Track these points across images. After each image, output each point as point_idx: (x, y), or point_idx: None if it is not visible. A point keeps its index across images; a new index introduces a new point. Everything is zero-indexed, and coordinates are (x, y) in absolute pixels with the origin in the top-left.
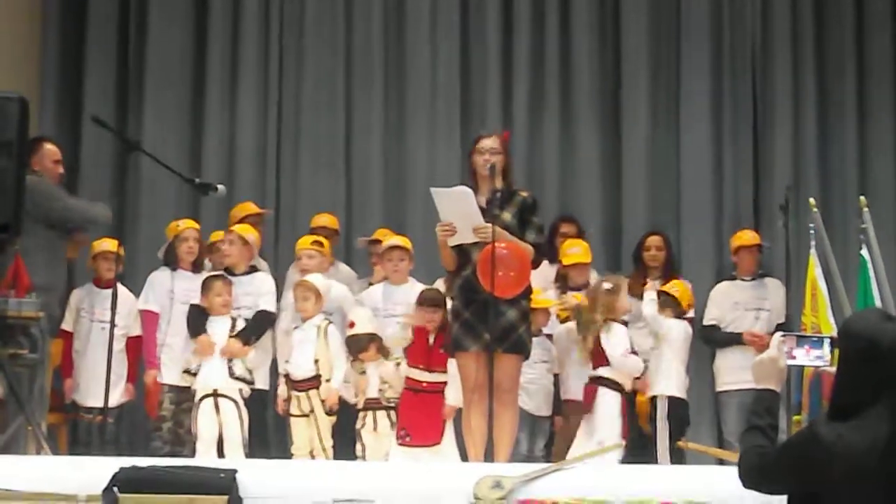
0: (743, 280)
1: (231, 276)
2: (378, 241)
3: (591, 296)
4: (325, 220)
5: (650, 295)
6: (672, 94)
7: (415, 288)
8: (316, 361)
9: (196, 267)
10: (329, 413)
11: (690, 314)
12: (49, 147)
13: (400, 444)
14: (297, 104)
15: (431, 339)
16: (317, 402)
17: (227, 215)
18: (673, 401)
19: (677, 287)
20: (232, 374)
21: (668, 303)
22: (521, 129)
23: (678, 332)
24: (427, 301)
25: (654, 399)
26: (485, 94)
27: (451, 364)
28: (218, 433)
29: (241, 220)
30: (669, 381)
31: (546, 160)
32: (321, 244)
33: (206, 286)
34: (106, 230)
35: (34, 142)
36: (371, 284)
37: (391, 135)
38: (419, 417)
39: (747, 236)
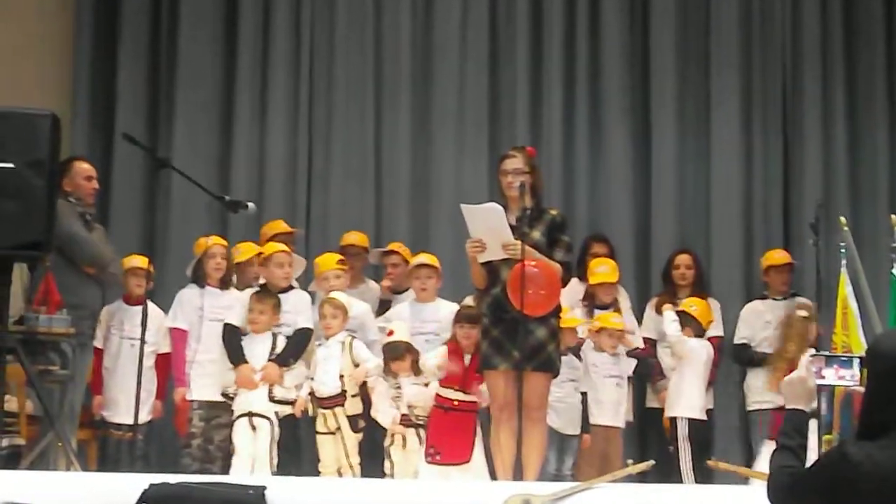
0: (773, 299)
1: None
2: (392, 252)
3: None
4: (354, 237)
5: (671, 315)
6: (702, 113)
7: (442, 306)
8: (341, 377)
9: (224, 284)
10: (354, 430)
11: (718, 332)
12: (80, 165)
13: (429, 462)
14: (326, 120)
15: (468, 360)
16: (343, 419)
17: (257, 232)
18: (693, 422)
19: (696, 306)
20: (272, 399)
21: (689, 322)
22: (552, 144)
23: (700, 352)
24: (465, 318)
25: (673, 419)
26: (514, 108)
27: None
28: (253, 451)
29: (272, 239)
30: (691, 402)
31: (577, 175)
32: (344, 262)
33: (250, 305)
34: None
35: (65, 162)
36: (382, 300)
37: (419, 150)
38: (449, 435)
39: (777, 255)
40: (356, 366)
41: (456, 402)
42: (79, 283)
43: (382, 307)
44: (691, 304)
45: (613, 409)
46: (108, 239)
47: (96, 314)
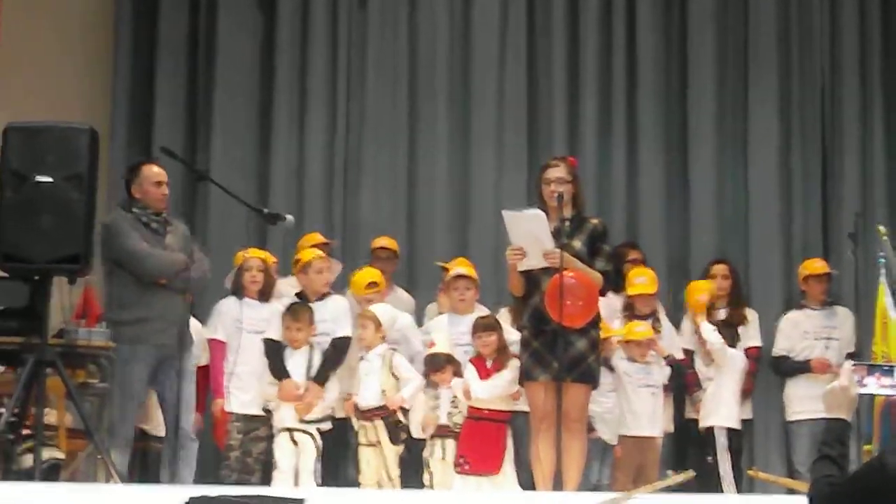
0: (812, 309)
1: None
2: (446, 269)
3: None
4: (384, 241)
5: (708, 325)
6: (740, 121)
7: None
8: (383, 392)
9: (263, 296)
10: (394, 442)
11: (756, 342)
12: (148, 169)
13: (458, 472)
14: (364, 132)
15: (489, 363)
16: (383, 432)
17: (295, 244)
18: (730, 431)
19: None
20: (303, 421)
21: (723, 333)
22: (589, 155)
23: (738, 361)
24: (479, 327)
25: (711, 429)
26: (551, 118)
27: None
28: (295, 464)
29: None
30: (730, 411)
31: (614, 186)
32: (377, 284)
33: (285, 322)
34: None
35: (134, 167)
36: (440, 313)
37: (457, 158)
38: (479, 445)
39: (816, 265)
40: (396, 379)
41: (486, 412)
42: (150, 296)
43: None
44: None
45: (648, 418)
46: (189, 239)
47: (178, 324)
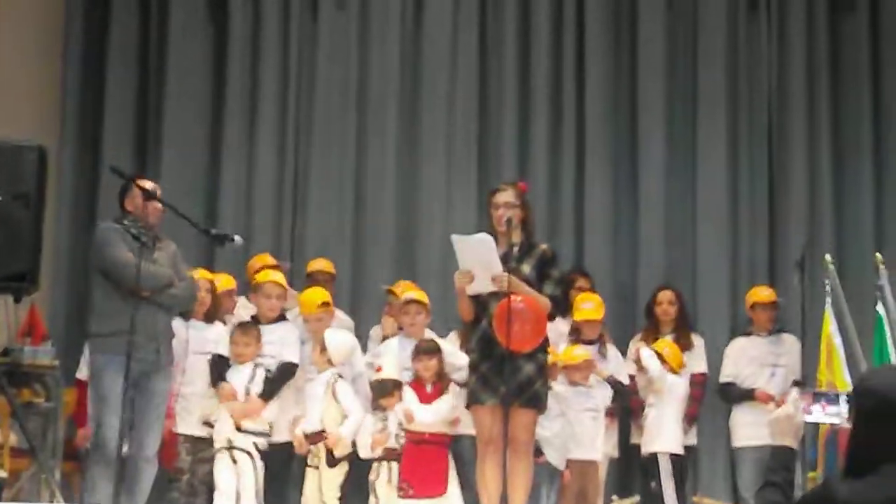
0: (759, 336)
1: (258, 325)
2: (393, 292)
3: None
4: (321, 264)
5: (648, 351)
6: (688, 151)
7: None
8: (321, 420)
9: (208, 318)
10: (330, 465)
11: (702, 369)
12: (143, 184)
13: (402, 497)
14: (313, 153)
15: (429, 388)
16: (322, 454)
17: (244, 264)
18: (674, 457)
19: (668, 348)
20: (239, 429)
21: (663, 360)
22: (539, 177)
23: (679, 388)
24: (421, 350)
25: (654, 455)
26: (501, 139)
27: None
28: (236, 485)
29: (258, 272)
30: (671, 437)
31: (563, 209)
32: (328, 304)
33: (233, 336)
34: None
35: (127, 181)
36: (385, 337)
37: (406, 178)
38: (421, 469)
39: (763, 293)
40: (338, 403)
41: (426, 435)
42: (133, 309)
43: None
44: (664, 346)
45: (590, 442)
46: (179, 258)
47: (158, 340)
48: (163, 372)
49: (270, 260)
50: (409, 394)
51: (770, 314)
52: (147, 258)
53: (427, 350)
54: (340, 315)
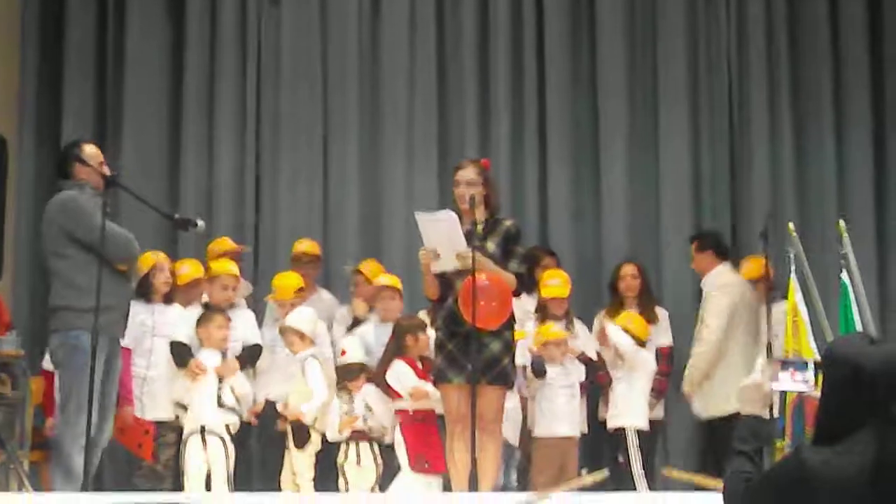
0: None
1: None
2: (361, 272)
3: None
4: (306, 245)
5: (615, 328)
6: (649, 123)
7: None
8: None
9: (167, 299)
10: (298, 446)
11: (667, 341)
12: (92, 149)
13: (417, 472)
14: (274, 133)
15: (420, 365)
16: (289, 435)
17: (205, 249)
18: (641, 431)
19: (633, 321)
20: (221, 404)
21: (630, 333)
22: (502, 157)
23: (648, 362)
24: (417, 327)
25: (622, 430)
26: (463, 120)
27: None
28: (206, 469)
29: (219, 257)
30: (639, 411)
31: (526, 188)
32: (303, 290)
33: (205, 319)
34: None
35: (73, 146)
36: (357, 318)
37: (368, 164)
38: (434, 444)
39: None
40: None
41: (430, 412)
42: (114, 282)
43: (356, 324)
44: (627, 320)
45: (568, 419)
46: None
47: (126, 316)
48: (120, 352)
49: (231, 244)
50: (404, 370)
51: None
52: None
53: (420, 325)
54: (325, 295)
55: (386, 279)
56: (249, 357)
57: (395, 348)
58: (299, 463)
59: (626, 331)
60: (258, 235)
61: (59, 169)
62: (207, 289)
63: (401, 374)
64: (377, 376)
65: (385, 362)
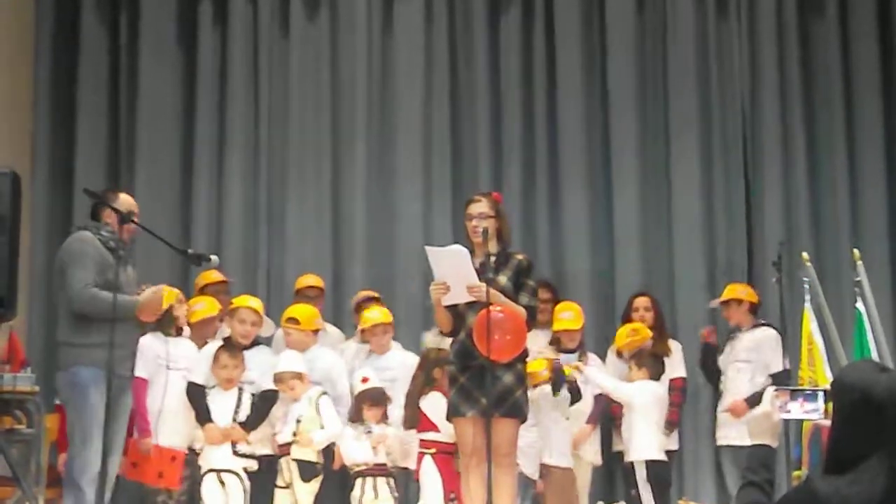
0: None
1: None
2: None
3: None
4: (310, 280)
5: (591, 369)
6: (662, 156)
7: (397, 352)
8: (298, 421)
9: (179, 332)
10: (305, 479)
11: (681, 373)
12: (128, 200)
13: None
14: (283, 169)
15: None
16: (294, 470)
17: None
18: (652, 463)
19: (619, 336)
20: (236, 453)
21: (644, 363)
22: (514, 190)
23: (644, 395)
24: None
25: (631, 464)
26: (475, 154)
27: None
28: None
29: (203, 288)
30: (644, 443)
31: (538, 222)
32: (296, 321)
33: (214, 359)
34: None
35: (111, 193)
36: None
37: (381, 193)
38: (456, 479)
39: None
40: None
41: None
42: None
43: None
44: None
45: (559, 449)
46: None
47: (133, 356)
48: (129, 390)
49: (217, 276)
50: (444, 404)
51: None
52: (122, 268)
53: (444, 360)
54: (331, 329)
55: (377, 315)
56: (263, 407)
57: (426, 380)
58: (303, 497)
59: (619, 353)
60: (270, 269)
61: (91, 210)
62: (228, 323)
63: (437, 406)
64: (409, 404)
65: (417, 392)
